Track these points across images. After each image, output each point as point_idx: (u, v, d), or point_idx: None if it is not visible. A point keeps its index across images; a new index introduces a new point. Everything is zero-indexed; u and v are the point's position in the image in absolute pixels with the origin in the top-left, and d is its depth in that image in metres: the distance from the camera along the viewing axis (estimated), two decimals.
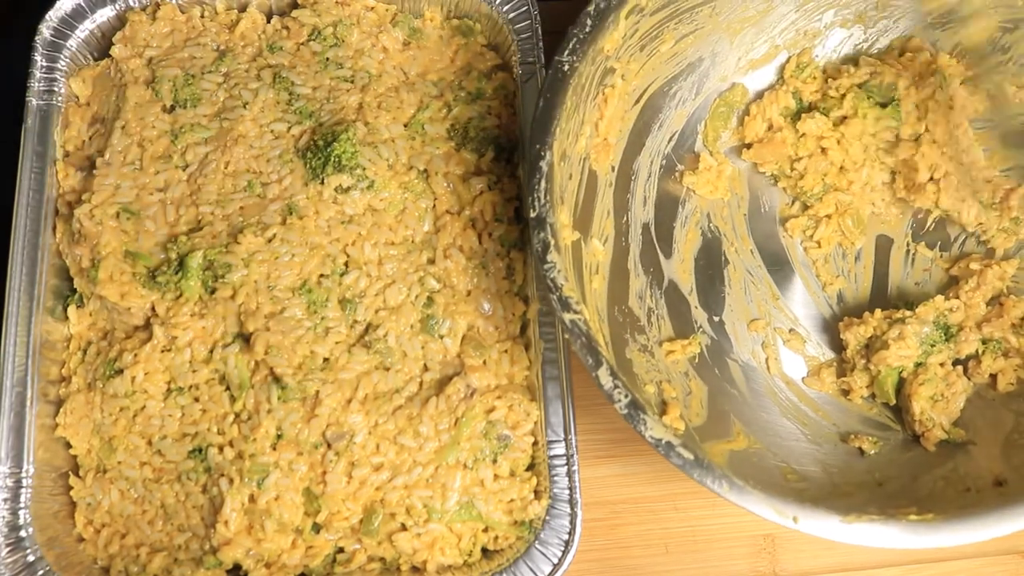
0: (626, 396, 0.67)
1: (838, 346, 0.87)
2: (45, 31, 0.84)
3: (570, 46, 0.75)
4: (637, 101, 0.85)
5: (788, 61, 0.90)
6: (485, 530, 0.76)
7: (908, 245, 0.90)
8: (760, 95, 0.91)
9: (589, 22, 0.75)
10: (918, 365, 0.82)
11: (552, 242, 0.70)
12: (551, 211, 0.71)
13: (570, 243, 0.73)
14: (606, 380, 0.67)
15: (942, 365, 0.82)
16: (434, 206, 0.82)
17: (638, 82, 0.83)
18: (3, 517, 0.73)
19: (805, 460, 0.78)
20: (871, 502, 0.66)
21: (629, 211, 0.86)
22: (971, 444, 0.79)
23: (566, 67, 0.74)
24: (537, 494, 0.76)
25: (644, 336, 0.82)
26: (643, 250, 0.86)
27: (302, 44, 0.87)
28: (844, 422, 0.83)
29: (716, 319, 0.87)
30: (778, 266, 0.90)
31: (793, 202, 0.91)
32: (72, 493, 0.77)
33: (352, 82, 0.85)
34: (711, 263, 0.89)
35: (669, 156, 0.89)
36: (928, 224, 0.90)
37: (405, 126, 0.84)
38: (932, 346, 0.82)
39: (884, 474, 0.77)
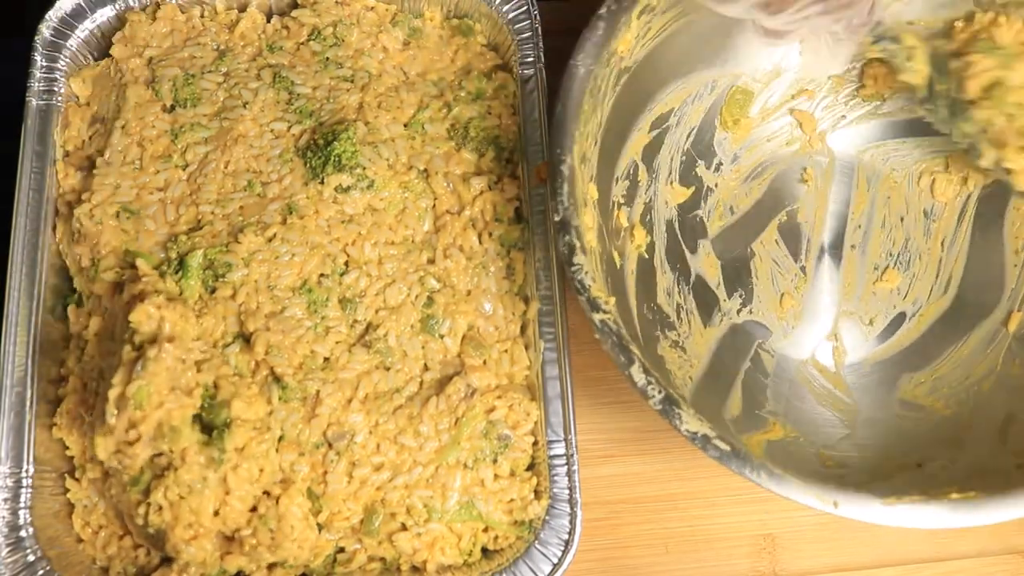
0: (660, 392, 0.66)
1: None
2: (45, 31, 0.84)
3: (584, 49, 0.75)
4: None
5: None
6: (485, 530, 0.76)
7: None
8: None
9: (602, 25, 0.75)
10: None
11: (578, 244, 0.70)
12: (575, 214, 0.71)
13: (596, 245, 0.73)
14: (639, 377, 0.67)
15: None
16: (434, 206, 0.82)
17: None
18: (3, 517, 0.73)
19: (843, 446, 0.78)
20: (912, 484, 0.66)
21: (653, 209, 0.86)
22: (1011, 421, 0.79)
23: (581, 70, 0.74)
24: (537, 494, 0.76)
25: (675, 332, 0.83)
26: (668, 246, 0.87)
27: (302, 44, 0.87)
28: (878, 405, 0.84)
29: (746, 310, 0.88)
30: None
31: None
32: (69, 495, 0.77)
33: (352, 82, 0.85)
34: (737, 256, 0.89)
35: (688, 152, 0.89)
36: None
37: (405, 126, 0.84)
38: None
39: (923, 455, 0.77)
